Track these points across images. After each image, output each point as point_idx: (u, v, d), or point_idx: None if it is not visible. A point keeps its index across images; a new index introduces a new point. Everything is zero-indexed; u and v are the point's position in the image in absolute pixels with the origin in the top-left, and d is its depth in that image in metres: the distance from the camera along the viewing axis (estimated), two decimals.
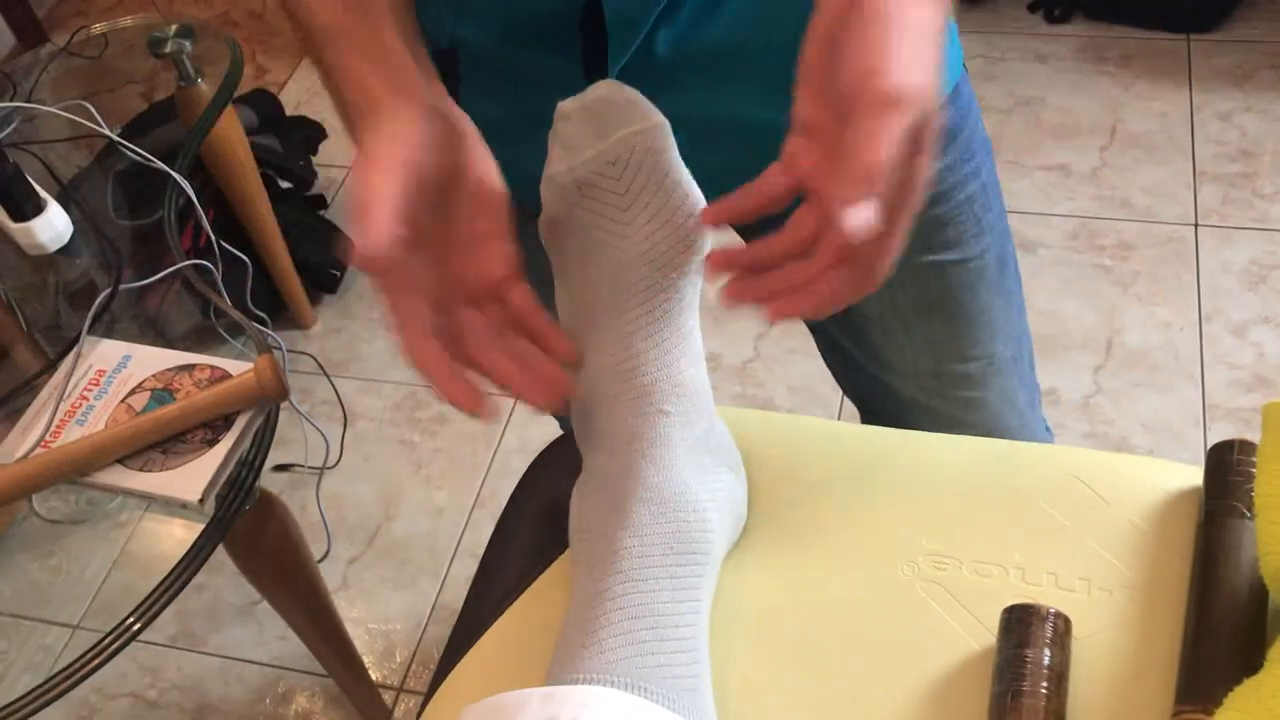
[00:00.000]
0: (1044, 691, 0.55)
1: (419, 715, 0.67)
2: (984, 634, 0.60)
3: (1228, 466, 0.62)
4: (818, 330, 0.97)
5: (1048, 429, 1.04)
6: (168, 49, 1.55)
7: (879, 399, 0.95)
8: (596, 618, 0.56)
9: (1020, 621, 0.58)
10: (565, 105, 0.65)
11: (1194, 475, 0.65)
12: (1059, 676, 0.56)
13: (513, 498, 0.79)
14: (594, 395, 0.64)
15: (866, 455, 0.71)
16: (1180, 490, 0.65)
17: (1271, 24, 2.30)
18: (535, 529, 0.74)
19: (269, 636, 1.66)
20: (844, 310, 0.86)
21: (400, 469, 1.84)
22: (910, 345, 0.88)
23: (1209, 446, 0.65)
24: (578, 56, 0.72)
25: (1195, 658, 0.56)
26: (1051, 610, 0.57)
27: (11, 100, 1.56)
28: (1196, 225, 1.97)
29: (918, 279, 0.85)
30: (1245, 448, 0.62)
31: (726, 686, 0.60)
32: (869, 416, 1.02)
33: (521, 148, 0.68)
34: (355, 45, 0.61)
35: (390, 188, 0.55)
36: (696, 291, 0.65)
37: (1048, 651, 0.56)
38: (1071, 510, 0.65)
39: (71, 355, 1.08)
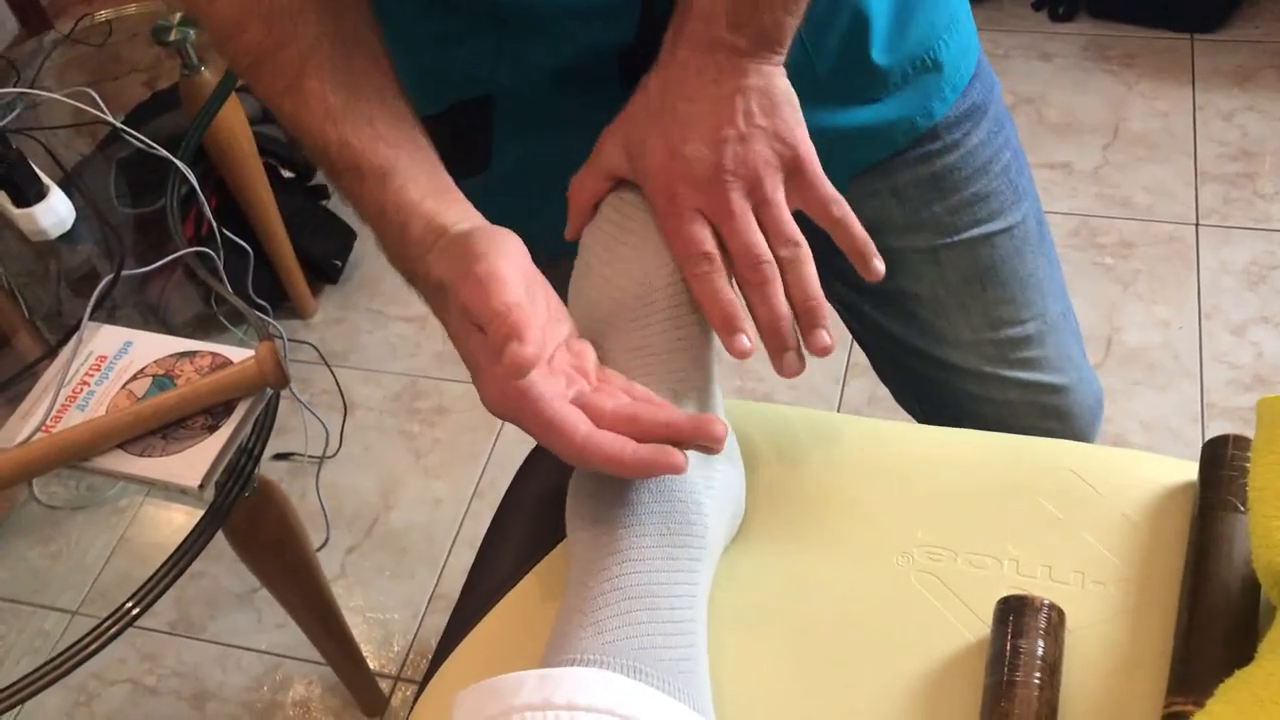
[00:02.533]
0: (1037, 682, 0.55)
1: (415, 700, 0.67)
2: (978, 625, 0.61)
3: (1222, 461, 0.62)
4: (858, 320, 0.97)
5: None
6: (171, 37, 1.55)
7: (933, 377, 0.95)
8: (594, 598, 0.56)
9: (1014, 612, 0.58)
10: None
11: (1188, 469, 0.66)
12: (1052, 667, 0.56)
13: (511, 486, 0.79)
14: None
15: (862, 447, 0.71)
16: (1174, 484, 0.65)
17: (1274, 24, 2.30)
18: (533, 518, 0.74)
19: (267, 624, 1.66)
20: (890, 297, 0.89)
21: (399, 459, 1.84)
22: (967, 318, 0.89)
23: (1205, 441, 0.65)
24: (616, 84, 0.73)
25: (1187, 650, 0.56)
26: (1045, 601, 0.58)
27: (15, 86, 1.57)
28: (1197, 225, 1.97)
29: (968, 253, 0.86)
30: (1240, 442, 0.62)
31: (722, 673, 0.60)
32: (920, 400, 1.02)
33: (550, 188, 0.70)
34: (414, 180, 0.63)
35: (525, 299, 0.57)
36: None
37: (1041, 642, 0.56)
38: (1066, 503, 0.65)
39: (73, 341, 1.08)
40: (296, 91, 0.63)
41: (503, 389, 0.59)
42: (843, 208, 0.65)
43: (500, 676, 0.52)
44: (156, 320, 1.28)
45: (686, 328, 0.65)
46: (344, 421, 1.89)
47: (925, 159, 0.82)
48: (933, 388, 0.96)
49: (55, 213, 1.26)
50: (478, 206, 0.87)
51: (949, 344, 0.91)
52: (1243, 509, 0.59)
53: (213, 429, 1.00)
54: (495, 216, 0.82)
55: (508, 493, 0.79)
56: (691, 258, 0.64)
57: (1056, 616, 0.58)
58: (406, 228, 0.62)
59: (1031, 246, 0.89)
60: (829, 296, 0.97)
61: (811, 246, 0.65)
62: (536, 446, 0.81)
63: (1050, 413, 0.95)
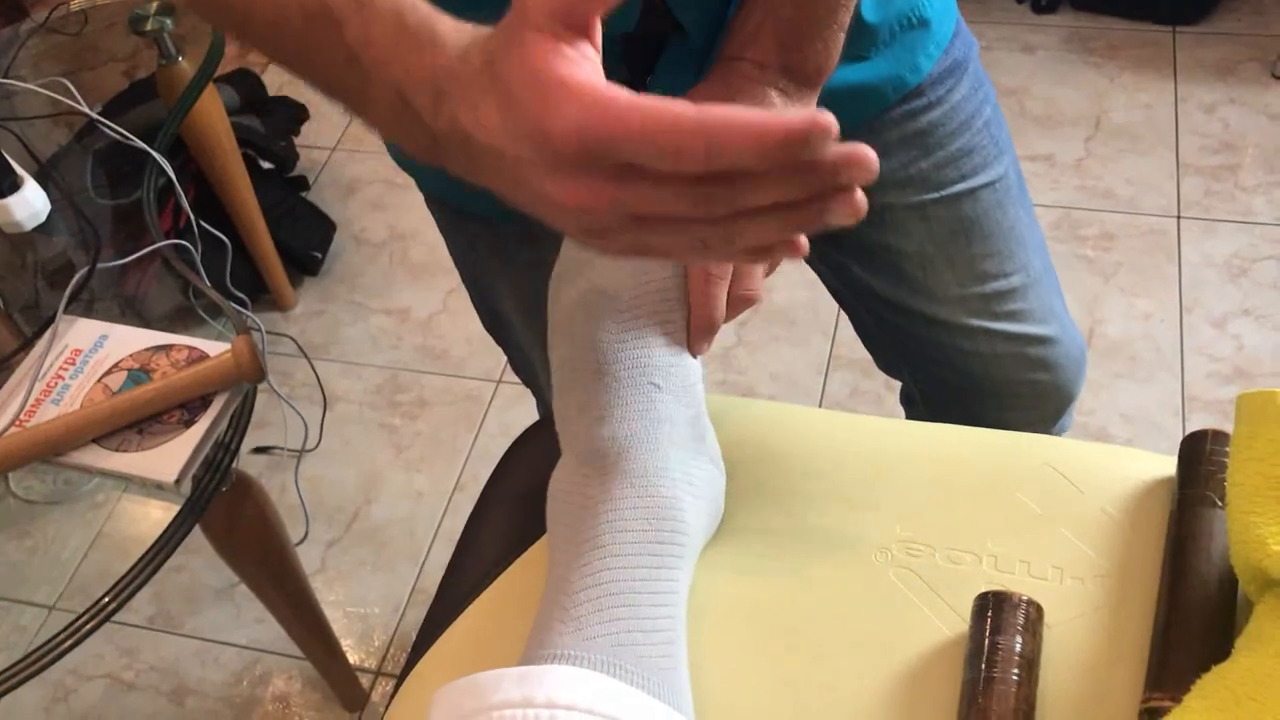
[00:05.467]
0: (1015, 678, 0.55)
1: (393, 695, 0.67)
2: (956, 621, 0.61)
3: (1200, 456, 0.62)
4: (845, 281, 0.97)
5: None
6: (149, 26, 1.54)
7: (919, 334, 0.96)
8: (574, 594, 0.56)
9: (992, 608, 0.58)
10: None
11: (1167, 465, 0.66)
12: (1030, 663, 0.56)
13: (490, 480, 0.79)
14: (588, 363, 0.64)
15: (842, 442, 0.71)
16: (1153, 479, 0.65)
17: (1256, 17, 2.30)
18: (513, 512, 0.74)
19: (247, 619, 1.65)
20: (878, 254, 0.90)
21: (380, 452, 1.83)
22: (953, 272, 0.90)
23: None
24: (619, 68, 0.74)
25: (1165, 646, 0.56)
26: (1023, 597, 0.58)
27: None
28: (1179, 217, 1.98)
29: (953, 208, 0.88)
30: (1218, 438, 0.62)
31: (702, 671, 0.60)
32: (906, 361, 1.02)
33: None
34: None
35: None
36: None
37: (1019, 638, 0.56)
38: (1045, 498, 0.65)
39: (48, 334, 1.07)
40: None
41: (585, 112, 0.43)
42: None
43: (479, 674, 0.51)
44: (133, 313, 1.27)
45: (676, 321, 0.66)
46: (324, 415, 1.88)
47: (911, 116, 0.84)
48: (919, 345, 0.97)
49: (30, 204, 1.25)
50: (468, 188, 0.87)
51: (936, 299, 0.92)
52: (1221, 505, 0.59)
53: (189, 423, 0.99)
54: (485, 202, 0.83)
55: (486, 488, 0.79)
56: None
57: (1035, 612, 0.58)
58: (404, 22, 0.51)
59: (1013, 199, 0.91)
60: (817, 258, 0.98)
61: None
62: (516, 440, 0.81)
63: (1037, 364, 0.96)
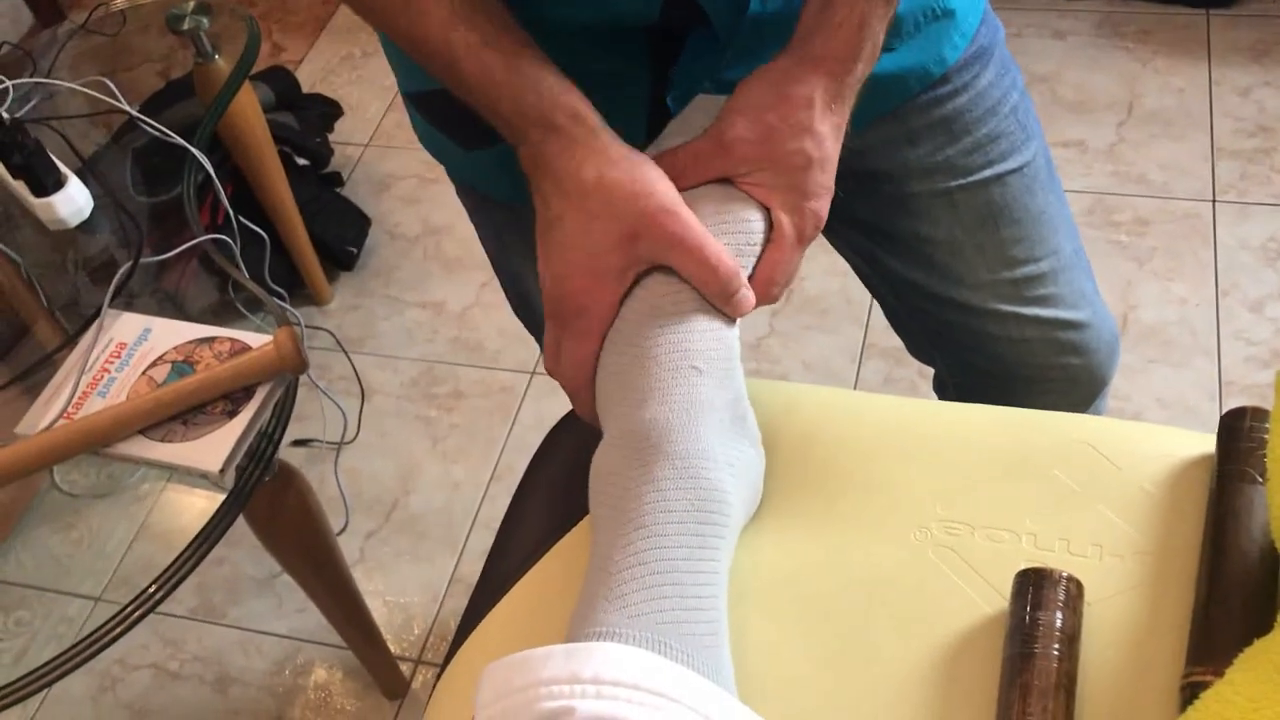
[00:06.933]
0: (1055, 653, 0.55)
1: (440, 674, 0.68)
2: (996, 598, 0.61)
3: (1240, 433, 0.62)
4: (875, 269, 0.98)
5: None
6: (185, 26, 1.56)
7: (950, 320, 0.96)
8: (619, 571, 0.57)
9: (1033, 585, 0.58)
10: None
11: (1206, 442, 0.66)
12: (1070, 639, 0.56)
13: (530, 466, 0.80)
14: (630, 347, 0.65)
15: (879, 423, 0.71)
16: (1192, 457, 0.65)
17: None
18: (551, 499, 0.75)
19: (288, 609, 1.67)
20: (907, 242, 0.91)
21: (417, 444, 1.85)
22: (983, 258, 0.90)
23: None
24: (644, 57, 0.75)
25: (1206, 621, 0.56)
26: (1064, 574, 0.58)
27: (31, 77, 1.57)
28: (1214, 201, 1.96)
29: (981, 194, 0.88)
30: (1258, 414, 0.62)
31: (742, 650, 0.60)
32: (937, 347, 1.03)
33: None
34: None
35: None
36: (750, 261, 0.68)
37: (1060, 614, 0.57)
38: (1084, 476, 0.65)
39: (93, 328, 1.09)
40: None
41: (644, 226, 0.64)
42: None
43: (528, 650, 0.52)
44: (174, 308, 1.29)
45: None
46: (361, 407, 1.89)
47: (936, 103, 0.84)
48: (950, 331, 0.97)
49: (73, 202, 1.27)
50: (494, 177, 0.88)
51: (966, 286, 0.92)
52: (1261, 480, 0.59)
53: (233, 414, 1.00)
54: (511, 189, 0.83)
55: (525, 475, 0.79)
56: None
57: (1075, 588, 0.58)
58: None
59: (1042, 184, 0.91)
60: (846, 247, 0.98)
61: (835, 196, 0.67)
62: (554, 427, 0.82)
63: (1068, 349, 0.96)
